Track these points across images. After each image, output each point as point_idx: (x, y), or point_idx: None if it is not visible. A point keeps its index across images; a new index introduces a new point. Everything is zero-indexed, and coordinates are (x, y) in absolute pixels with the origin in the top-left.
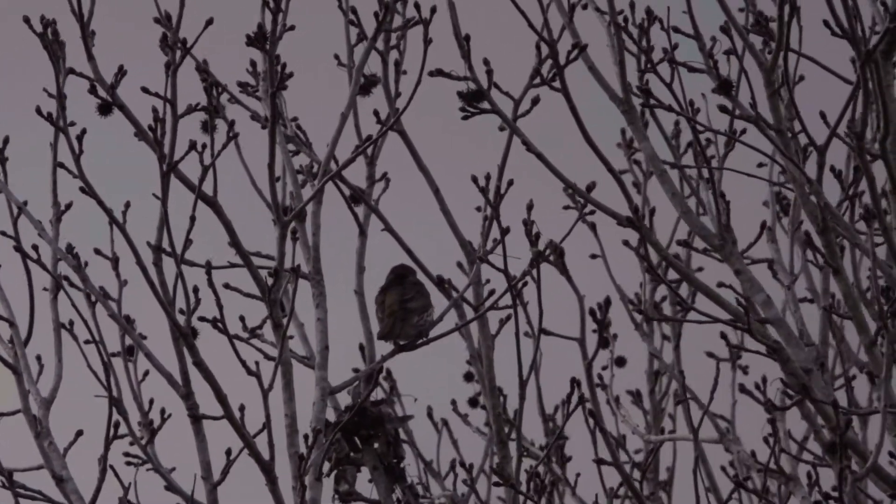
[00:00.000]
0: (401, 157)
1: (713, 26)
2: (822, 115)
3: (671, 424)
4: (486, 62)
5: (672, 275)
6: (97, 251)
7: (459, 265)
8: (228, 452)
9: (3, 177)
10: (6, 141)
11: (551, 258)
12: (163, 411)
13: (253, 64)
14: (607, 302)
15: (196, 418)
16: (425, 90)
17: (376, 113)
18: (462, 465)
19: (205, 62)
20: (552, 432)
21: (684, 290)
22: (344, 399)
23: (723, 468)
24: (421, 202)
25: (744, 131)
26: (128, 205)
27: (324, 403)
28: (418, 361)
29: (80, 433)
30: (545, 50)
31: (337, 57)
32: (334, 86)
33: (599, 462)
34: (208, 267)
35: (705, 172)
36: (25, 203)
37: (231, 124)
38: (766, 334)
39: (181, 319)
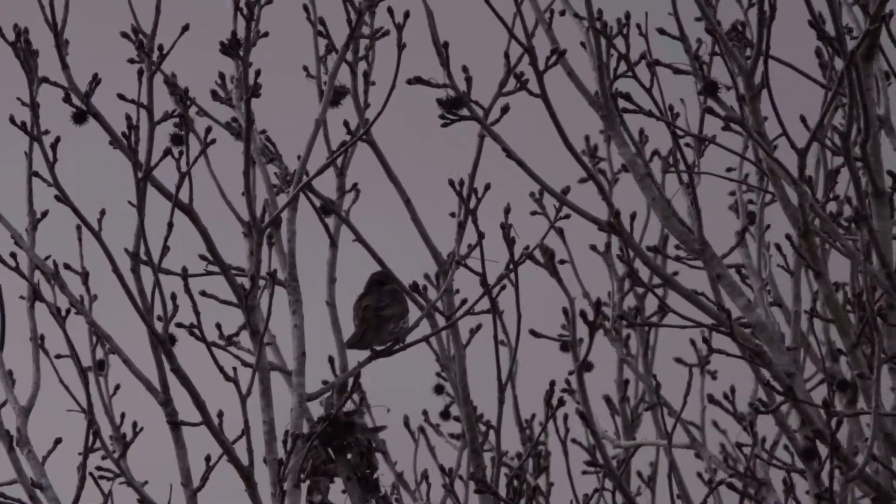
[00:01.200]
0: (370, 167)
1: (698, 28)
2: (803, 119)
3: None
4: (464, 69)
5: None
6: (66, 266)
7: (427, 277)
8: (208, 459)
9: None
10: None
11: (541, 260)
12: (135, 425)
13: (222, 76)
14: (598, 304)
15: (175, 424)
16: (394, 99)
17: (346, 124)
18: (441, 468)
19: (173, 75)
20: (528, 440)
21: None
22: (316, 410)
23: (699, 474)
24: (392, 212)
25: (714, 137)
26: (103, 212)
27: (301, 410)
28: (389, 371)
29: (58, 441)
30: (514, 58)
31: (306, 68)
32: (301, 97)
33: (590, 465)
34: (185, 274)
35: (685, 177)
36: None
37: (207, 131)
38: (747, 338)
39: (158, 327)
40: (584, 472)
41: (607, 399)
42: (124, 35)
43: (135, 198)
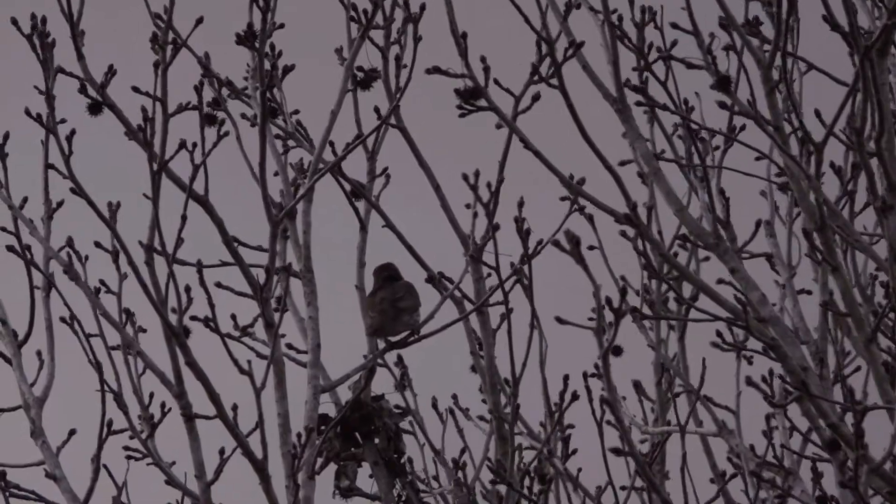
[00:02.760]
0: (401, 150)
1: (712, 22)
2: (818, 114)
3: (674, 417)
4: (483, 60)
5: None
6: (97, 244)
7: (442, 274)
8: (222, 451)
9: (3, 174)
10: (6, 137)
11: (568, 248)
12: (163, 405)
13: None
14: (623, 291)
15: (189, 417)
16: (428, 85)
17: (377, 109)
18: (454, 463)
19: (206, 56)
20: (558, 426)
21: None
22: (345, 394)
23: (729, 458)
24: (421, 196)
25: (743, 127)
26: (118, 205)
27: (316, 402)
28: (427, 351)
29: (73, 432)
30: (544, 47)
31: (338, 51)
32: (336, 80)
33: (613, 452)
34: (199, 266)
35: (701, 170)
36: (23, 203)
37: (221, 123)
38: (764, 332)
39: (173, 319)
40: (609, 453)
41: (636, 384)
42: (157, 16)
43: (149, 190)
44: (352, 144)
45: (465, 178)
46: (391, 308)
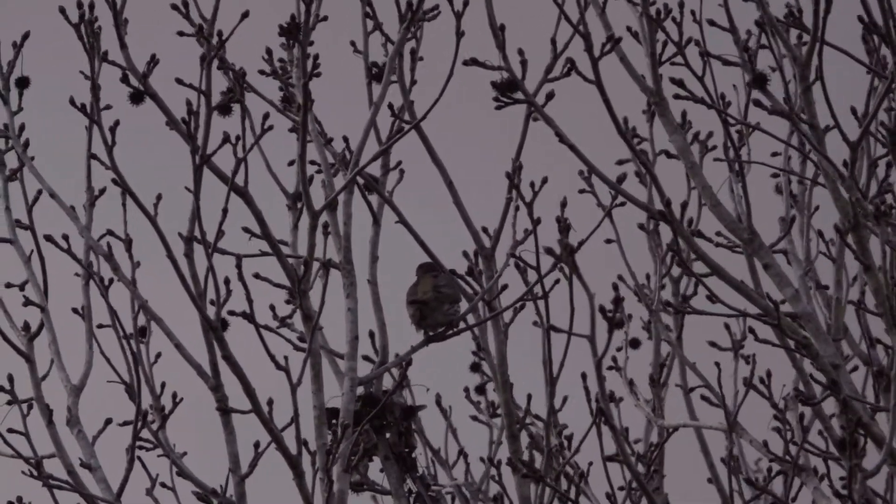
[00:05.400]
0: (414, 144)
1: (748, 20)
2: (853, 111)
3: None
4: (520, 52)
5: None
6: (110, 232)
7: (465, 254)
8: (257, 445)
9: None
10: (22, 128)
11: (563, 258)
12: (174, 395)
13: (269, 52)
14: (616, 300)
15: (224, 411)
16: (436, 81)
17: (391, 106)
18: (490, 460)
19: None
20: (555, 425)
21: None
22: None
23: (722, 459)
24: (434, 191)
25: (758, 123)
26: (159, 197)
27: (353, 394)
28: (427, 348)
29: (108, 421)
30: (561, 43)
31: (353, 44)
32: (347, 72)
33: (608, 459)
34: (238, 257)
35: (734, 165)
36: (37, 197)
37: (265, 117)
38: (794, 329)
39: (211, 311)
40: (606, 461)
41: (651, 379)
42: (174, 7)
43: (190, 183)
44: (389, 141)
45: (509, 175)
46: (434, 293)
